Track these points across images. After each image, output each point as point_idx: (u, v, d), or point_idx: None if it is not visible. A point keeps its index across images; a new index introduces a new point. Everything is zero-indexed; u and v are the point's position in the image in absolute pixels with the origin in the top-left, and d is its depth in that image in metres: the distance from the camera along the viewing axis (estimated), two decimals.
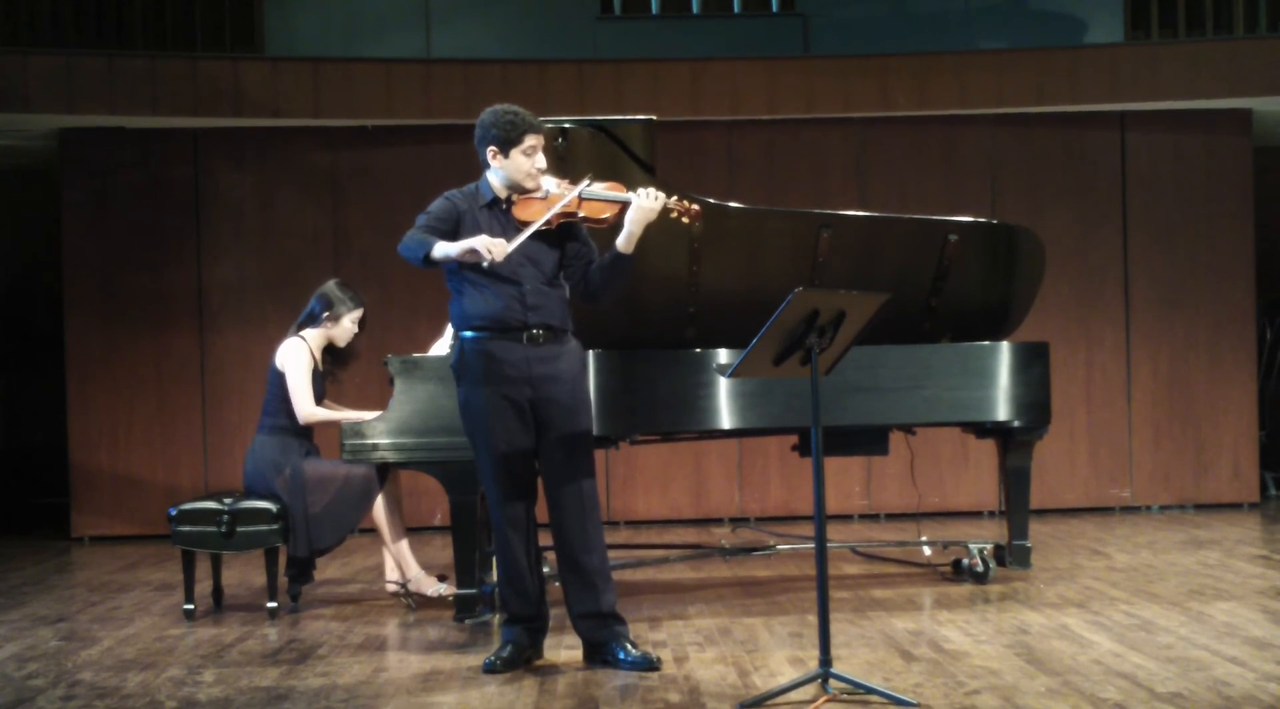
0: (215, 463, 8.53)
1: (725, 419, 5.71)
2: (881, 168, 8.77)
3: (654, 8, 9.19)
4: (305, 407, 5.82)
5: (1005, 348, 6.02)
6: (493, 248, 4.36)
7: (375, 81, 8.40)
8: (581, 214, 4.54)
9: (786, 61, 8.65)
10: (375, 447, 5.40)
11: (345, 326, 5.97)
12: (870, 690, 4.09)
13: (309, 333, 5.95)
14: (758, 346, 4.13)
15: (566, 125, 5.39)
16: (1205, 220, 8.85)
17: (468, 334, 4.59)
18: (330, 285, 5.99)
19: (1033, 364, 6.04)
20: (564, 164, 5.21)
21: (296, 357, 5.85)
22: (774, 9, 9.20)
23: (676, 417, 5.66)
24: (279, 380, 5.86)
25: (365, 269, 8.61)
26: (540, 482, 4.68)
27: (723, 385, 5.68)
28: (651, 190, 4.48)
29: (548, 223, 4.51)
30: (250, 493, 5.81)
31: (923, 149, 8.79)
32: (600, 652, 4.62)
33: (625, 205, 4.49)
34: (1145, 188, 8.85)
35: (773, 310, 4.07)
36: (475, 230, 4.53)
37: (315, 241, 8.65)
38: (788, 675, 4.36)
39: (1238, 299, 8.86)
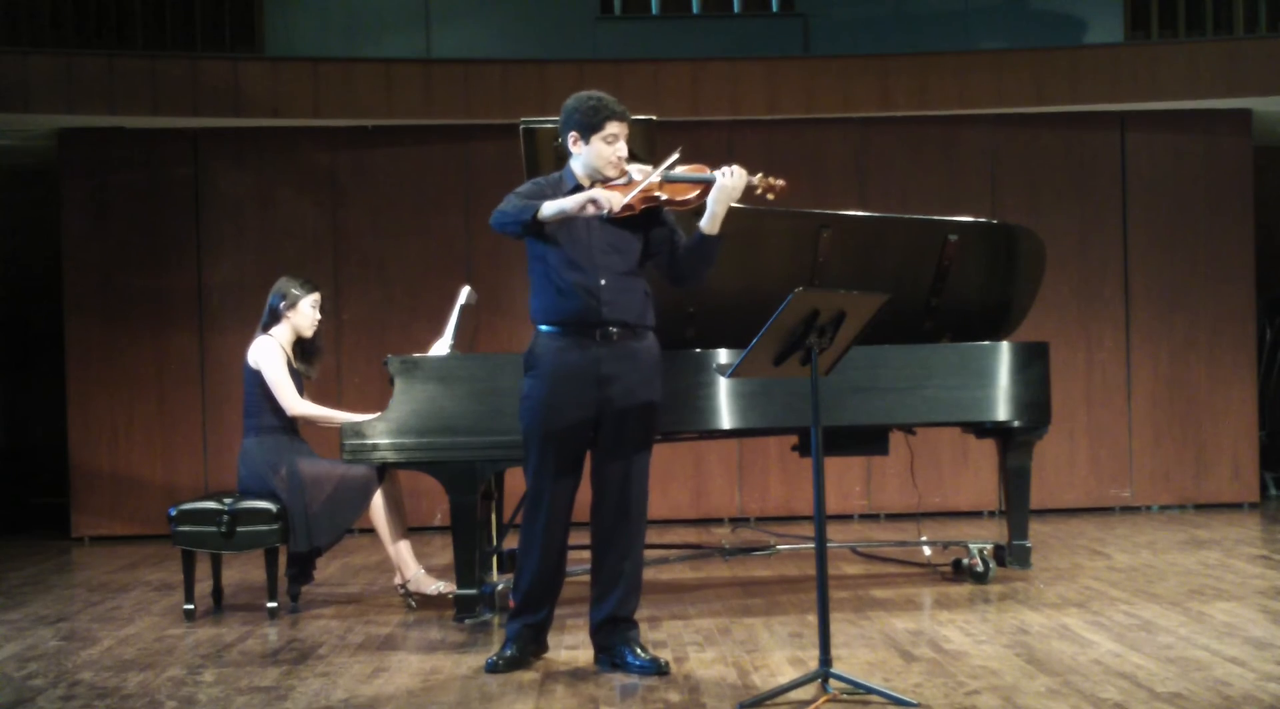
0: (215, 463, 8.53)
1: (725, 419, 5.71)
2: (881, 168, 8.77)
3: (654, 8, 9.19)
4: (291, 399, 5.82)
5: (1005, 348, 6.02)
6: (612, 198, 4.29)
7: (375, 81, 8.40)
8: (664, 196, 4.43)
9: (786, 61, 8.65)
10: (375, 447, 5.40)
11: (305, 312, 5.96)
12: (870, 690, 4.09)
13: (275, 330, 5.96)
14: (757, 347, 4.13)
15: None
16: (1205, 220, 8.85)
17: (543, 328, 4.53)
18: (281, 279, 6.02)
19: (1033, 364, 6.04)
20: (564, 164, 5.20)
21: (269, 352, 5.85)
22: (774, 9, 9.20)
23: (676, 417, 5.65)
24: (256, 380, 5.86)
25: (365, 269, 8.63)
26: (592, 480, 4.60)
27: (723, 385, 5.67)
28: (735, 168, 4.39)
29: (650, 199, 4.41)
30: (248, 494, 5.81)
31: (923, 149, 8.79)
32: (609, 654, 4.60)
33: (708, 185, 4.41)
34: (1145, 188, 8.84)
35: (773, 310, 4.07)
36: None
37: (315, 241, 8.65)
38: (788, 675, 4.36)
39: (1238, 299, 8.86)
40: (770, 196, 4.44)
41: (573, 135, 4.49)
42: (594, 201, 4.30)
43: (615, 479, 4.52)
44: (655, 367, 4.57)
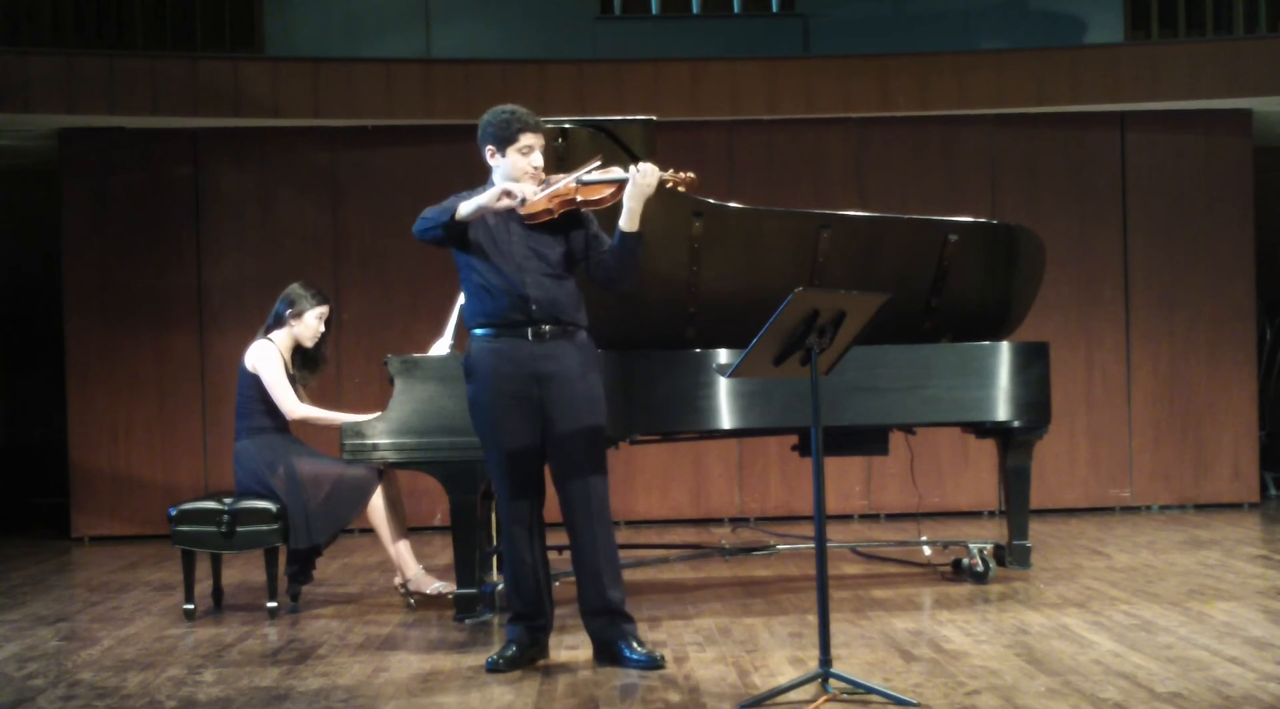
0: (215, 463, 8.52)
1: (725, 419, 5.71)
2: (881, 168, 8.77)
3: (654, 8, 9.19)
4: (290, 403, 5.81)
5: (1005, 348, 6.02)
6: (525, 188, 4.41)
7: (375, 81, 8.40)
8: (580, 198, 4.53)
9: (786, 61, 8.65)
10: (375, 447, 5.40)
11: (310, 323, 5.95)
12: (870, 690, 4.09)
13: (275, 335, 5.95)
14: (757, 347, 4.13)
15: (566, 126, 5.39)
16: (1205, 220, 8.85)
17: (476, 332, 4.61)
18: (293, 285, 6.00)
19: (1033, 364, 6.05)
20: (564, 165, 5.22)
21: (267, 356, 5.85)
22: (774, 9, 9.20)
23: (676, 417, 5.66)
24: (252, 382, 5.85)
25: (365, 269, 8.63)
26: (550, 479, 4.68)
27: (723, 385, 5.67)
28: (645, 165, 4.46)
29: (568, 202, 4.51)
30: (246, 495, 5.80)
31: (923, 149, 8.79)
32: (607, 649, 4.63)
33: (622, 183, 4.48)
34: (1145, 188, 8.85)
35: (773, 310, 4.07)
36: (481, 226, 4.55)
37: (315, 241, 8.65)
38: (788, 675, 4.36)
39: (1238, 299, 8.86)
40: (681, 189, 4.52)
41: (489, 149, 4.61)
42: (508, 192, 4.41)
43: (574, 475, 4.57)
44: (592, 361, 4.65)
